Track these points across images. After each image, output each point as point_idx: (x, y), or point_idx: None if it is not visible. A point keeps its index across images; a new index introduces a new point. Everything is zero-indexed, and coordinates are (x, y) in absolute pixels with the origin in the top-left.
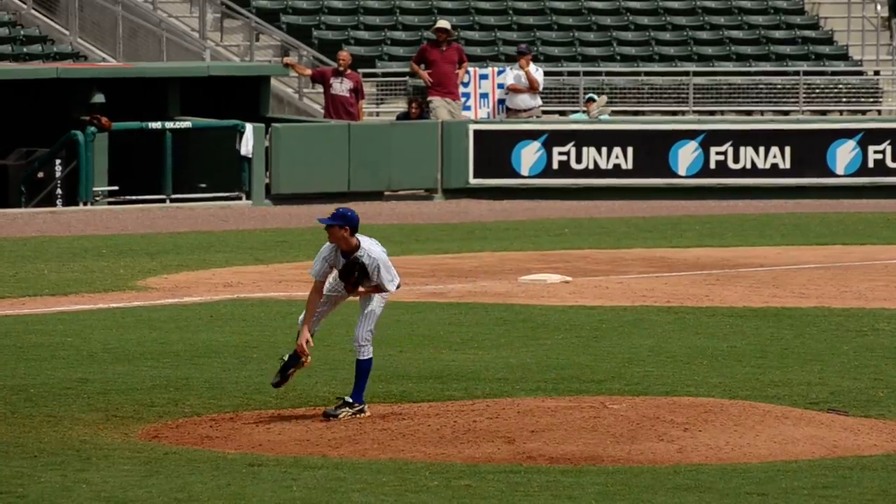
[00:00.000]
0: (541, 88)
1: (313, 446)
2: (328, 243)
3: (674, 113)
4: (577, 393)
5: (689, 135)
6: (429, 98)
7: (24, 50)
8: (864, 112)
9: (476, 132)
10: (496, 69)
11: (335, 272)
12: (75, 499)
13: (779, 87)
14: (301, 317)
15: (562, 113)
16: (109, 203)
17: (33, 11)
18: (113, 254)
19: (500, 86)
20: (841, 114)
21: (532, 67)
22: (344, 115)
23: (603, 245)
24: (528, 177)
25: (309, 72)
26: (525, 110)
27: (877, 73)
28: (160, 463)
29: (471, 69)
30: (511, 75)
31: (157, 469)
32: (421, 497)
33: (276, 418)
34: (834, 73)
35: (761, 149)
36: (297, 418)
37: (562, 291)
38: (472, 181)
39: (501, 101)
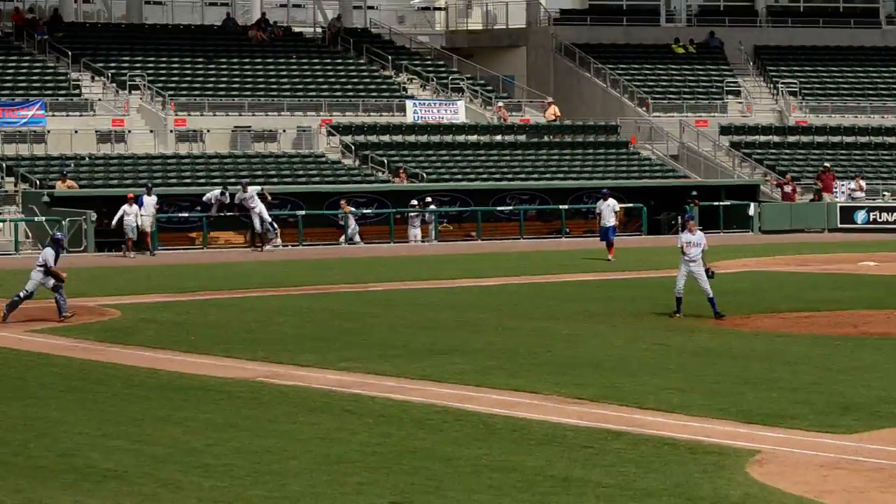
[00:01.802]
0: None
1: (776, 328)
2: None
3: None
4: (881, 308)
5: None
6: None
7: (666, 175)
8: None
9: (840, 206)
10: None
11: None
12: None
13: None
14: None
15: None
16: None
17: (669, 160)
18: None
19: None
20: None
21: None
22: (788, 199)
23: (889, 250)
24: (860, 224)
25: None
26: None
27: None
28: None
29: None
30: None
31: None
32: (821, 349)
33: None
34: None
35: None
36: None
37: (874, 268)
38: (839, 225)
39: None
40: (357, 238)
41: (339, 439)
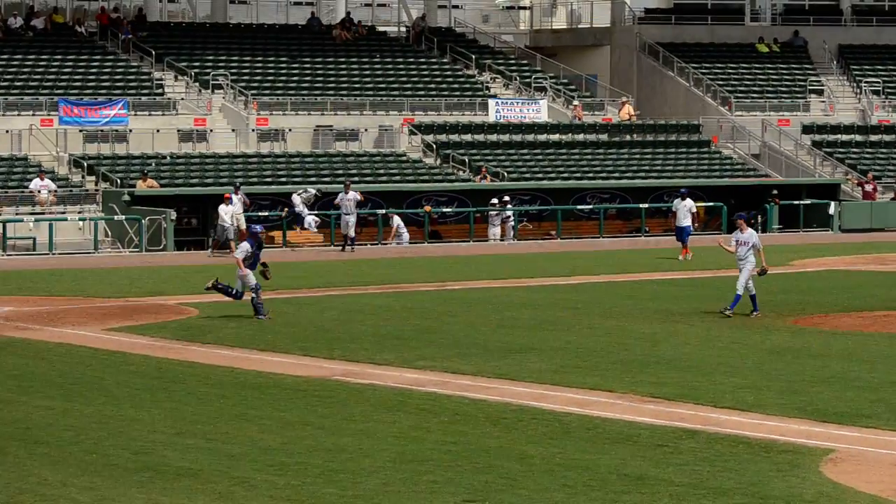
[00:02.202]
0: None
1: (853, 328)
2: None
3: None
4: None
5: None
6: None
7: (747, 174)
8: None
9: None
10: None
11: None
12: None
13: None
14: None
15: None
16: (778, 232)
17: (751, 159)
18: (780, 251)
19: None
20: None
21: None
22: (868, 198)
23: None
24: None
25: None
26: None
27: None
28: None
29: None
30: None
31: None
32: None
33: None
34: None
35: None
36: None
37: None
38: None
39: None
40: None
41: (413, 438)
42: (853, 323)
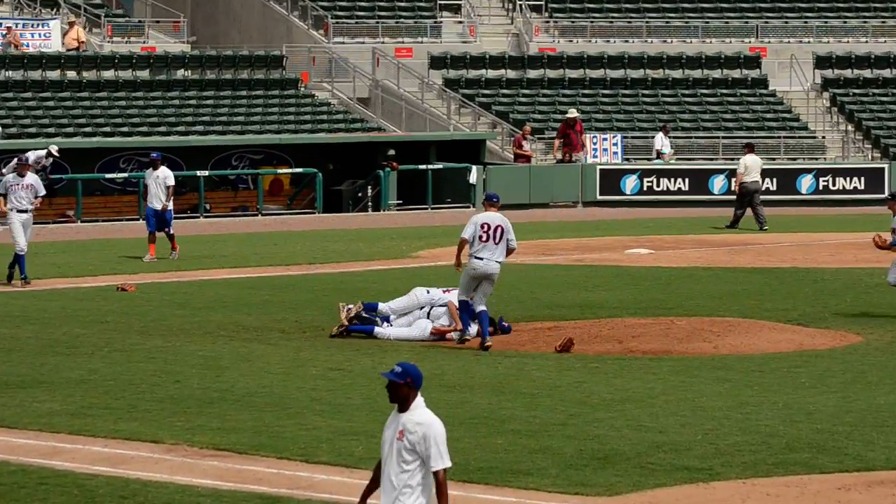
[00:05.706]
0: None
1: (507, 345)
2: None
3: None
4: (657, 315)
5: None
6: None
7: (352, 126)
8: (815, 159)
9: (601, 170)
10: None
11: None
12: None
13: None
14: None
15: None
16: (397, 209)
17: (357, 105)
18: (399, 237)
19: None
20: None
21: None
22: (526, 161)
23: (670, 232)
24: (630, 195)
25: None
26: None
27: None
28: None
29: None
30: None
31: None
32: (572, 373)
33: None
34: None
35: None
36: None
37: (648, 258)
38: (599, 197)
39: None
40: None
41: None
42: (506, 339)
